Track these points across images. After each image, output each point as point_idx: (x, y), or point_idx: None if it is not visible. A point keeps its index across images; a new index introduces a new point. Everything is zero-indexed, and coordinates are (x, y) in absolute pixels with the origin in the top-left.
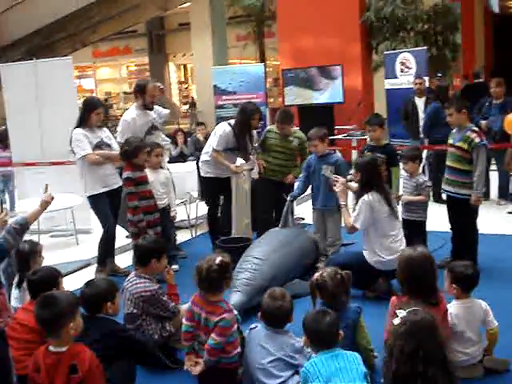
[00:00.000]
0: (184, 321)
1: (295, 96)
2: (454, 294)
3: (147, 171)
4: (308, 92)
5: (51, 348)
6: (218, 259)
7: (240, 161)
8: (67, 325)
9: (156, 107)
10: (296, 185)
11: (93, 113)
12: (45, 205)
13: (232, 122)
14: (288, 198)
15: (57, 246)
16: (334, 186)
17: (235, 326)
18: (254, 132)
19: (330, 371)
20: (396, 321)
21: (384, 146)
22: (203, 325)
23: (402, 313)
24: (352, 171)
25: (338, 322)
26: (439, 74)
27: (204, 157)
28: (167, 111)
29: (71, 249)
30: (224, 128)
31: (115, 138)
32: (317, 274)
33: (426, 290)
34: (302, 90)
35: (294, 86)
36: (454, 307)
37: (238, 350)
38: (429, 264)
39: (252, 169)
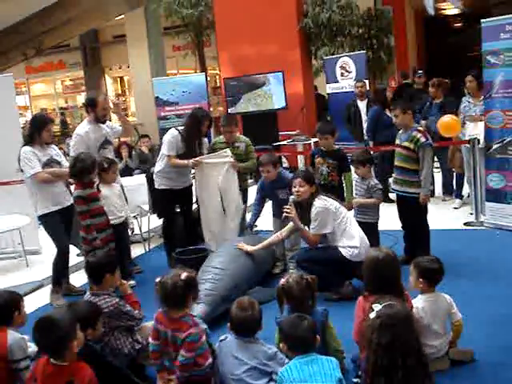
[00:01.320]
0: (150, 340)
1: (238, 104)
2: (420, 288)
3: (103, 187)
4: (250, 100)
5: (52, 360)
6: (184, 275)
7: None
8: (71, 345)
9: (109, 122)
10: (251, 212)
11: (43, 130)
12: None
13: (180, 127)
14: (242, 206)
15: (6, 268)
16: (288, 213)
17: (203, 338)
18: (206, 140)
19: (304, 376)
20: (372, 315)
21: (335, 151)
22: (171, 342)
23: (377, 307)
24: (297, 181)
25: (314, 327)
26: (420, 71)
27: (157, 168)
28: (120, 128)
29: (21, 271)
30: (172, 133)
31: (64, 153)
32: (283, 280)
33: (394, 289)
34: (245, 98)
35: (235, 95)
36: (420, 301)
37: (210, 360)
38: (395, 263)
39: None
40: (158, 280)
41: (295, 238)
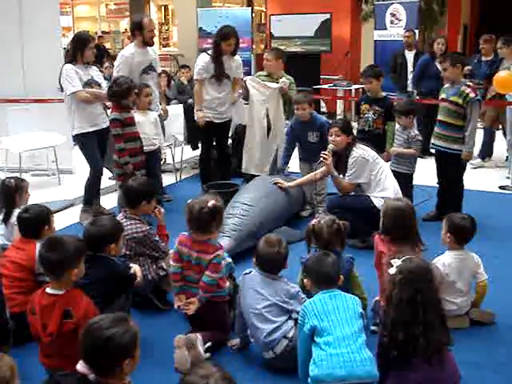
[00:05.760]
0: (171, 262)
1: (281, 43)
2: (447, 243)
3: (136, 113)
4: (295, 39)
5: (48, 290)
6: (211, 202)
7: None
8: (70, 270)
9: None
10: (281, 155)
11: (86, 48)
12: None
13: (210, 51)
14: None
15: (39, 185)
16: (325, 159)
17: (223, 262)
18: (238, 58)
19: (328, 309)
20: (392, 270)
21: (382, 98)
22: (195, 264)
23: (397, 262)
24: (333, 130)
25: (338, 264)
26: None
27: None
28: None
29: (53, 188)
30: (202, 57)
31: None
32: (314, 220)
33: (413, 237)
34: (289, 37)
35: (280, 33)
36: (447, 257)
37: (227, 284)
38: (413, 213)
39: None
40: (188, 202)
41: (322, 182)
